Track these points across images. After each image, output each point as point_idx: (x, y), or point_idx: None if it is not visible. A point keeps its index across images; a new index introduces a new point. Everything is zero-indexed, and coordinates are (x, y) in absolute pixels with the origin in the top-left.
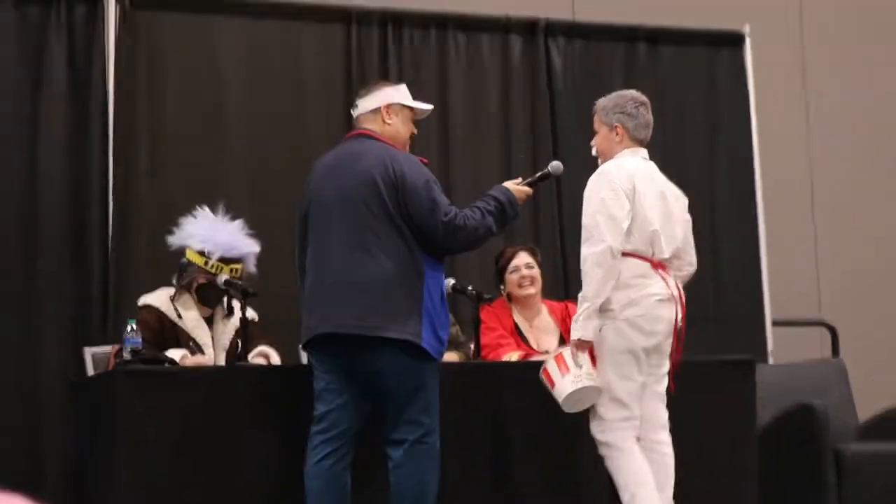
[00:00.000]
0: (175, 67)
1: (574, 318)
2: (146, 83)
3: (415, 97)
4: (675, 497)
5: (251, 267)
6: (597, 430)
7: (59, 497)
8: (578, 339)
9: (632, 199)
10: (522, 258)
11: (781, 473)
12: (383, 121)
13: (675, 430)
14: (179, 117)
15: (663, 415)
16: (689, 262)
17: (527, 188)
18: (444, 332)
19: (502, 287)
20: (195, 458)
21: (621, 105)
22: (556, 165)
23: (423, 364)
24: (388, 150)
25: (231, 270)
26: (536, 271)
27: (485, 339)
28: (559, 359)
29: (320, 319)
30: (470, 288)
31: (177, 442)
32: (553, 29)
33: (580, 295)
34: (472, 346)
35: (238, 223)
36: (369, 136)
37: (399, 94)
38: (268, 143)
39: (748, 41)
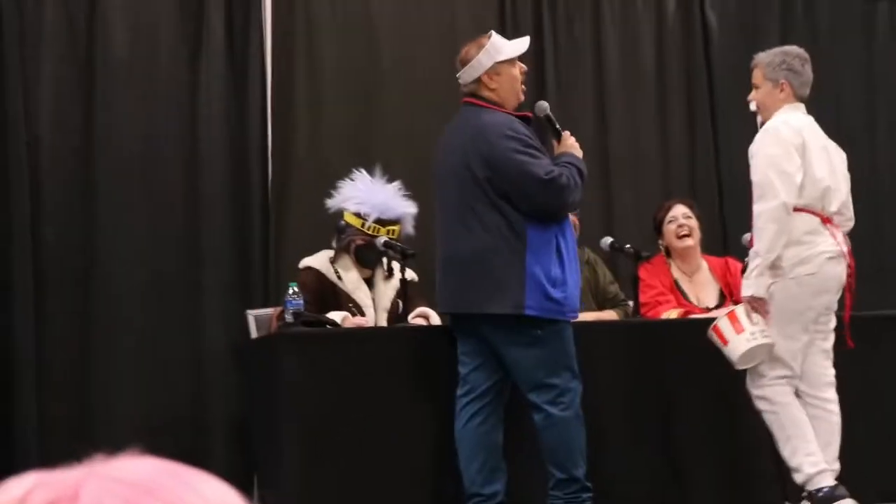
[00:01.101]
0: (330, 30)
1: (746, 274)
2: (303, 49)
3: (569, 57)
4: (841, 453)
5: (409, 228)
6: (753, 384)
7: (226, 459)
8: (751, 296)
9: (801, 155)
10: (680, 209)
11: None
12: (488, 87)
13: (841, 389)
14: (335, 81)
15: (830, 372)
16: (850, 217)
17: (569, 137)
18: (560, 290)
19: (661, 241)
20: (356, 417)
21: (788, 62)
22: (539, 106)
23: (536, 329)
24: (481, 124)
25: (388, 232)
26: (694, 222)
27: (644, 297)
28: (732, 316)
29: (438, 295)
30: (628, 246)
31: (338, 402)
32: None
33: (752, 251)
34: (632, 304)
35: (394, 185)
36: (473, 104)
37: (490, 55)
38: (422, 103)
39: None
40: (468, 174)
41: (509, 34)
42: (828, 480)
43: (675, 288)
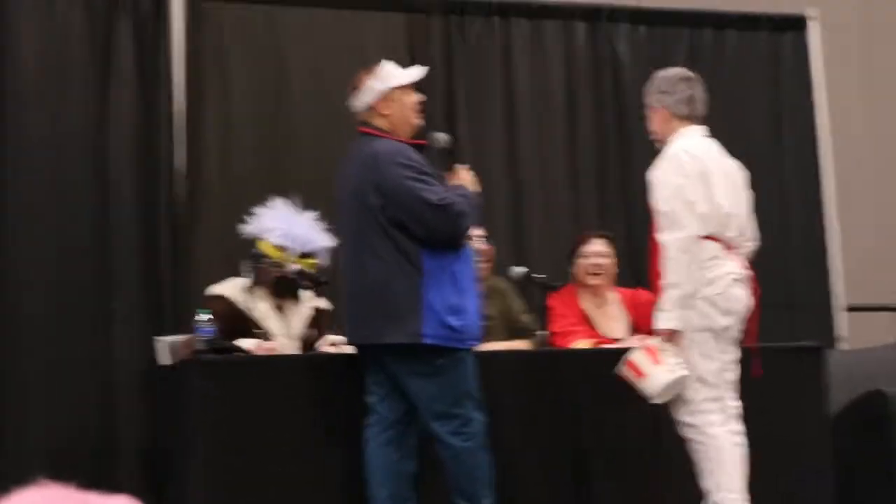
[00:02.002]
0: (240, 59)
1: (659, 307)
2: (214, 72)
3: (479, 87)
4: (748, 484)
5: (325, 261)
6: (682, 412)
7: (135, 484)
8: (671, 330)
9: (704, 182)
10: (596, 246)
11: (854, 460)
12: (381, 114)
13: (747, 416)
14: (246, 105)
15: (736, 404)
16: (752, 238)
17: (465, 170)
18: (457, 318)
19: (572, 268)
20: (266, 444)
21: (658, 85)
22: (436, 138)
23: (436, 358)
24: (373, 153)
25: (309, 266)
26: (608, 261)
27: (555, 327)
28: (649, 350)
29: (345, 327)
30: (539, 276)
31: (249, 429)
32: (617, 15)
33: (665, 283)
34: (544, 334)
35: (312, 216)
36: (367, 133)
37: (383, 80)
38: (333, 129)
39: (811, 24)
40: (362, 204)
41: (419, 62)
42: None
43: (585, 319)
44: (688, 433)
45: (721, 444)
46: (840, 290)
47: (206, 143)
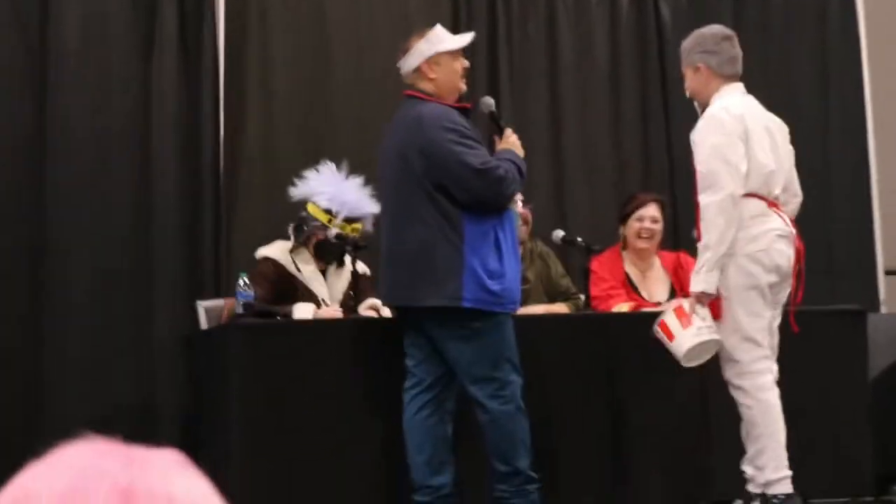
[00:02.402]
0: (283, 22)
1: (695, 269)
2: (256, 40)
3: (523, 53)
4: (788, 446)
5: (369, 226)
6: (731, 373)
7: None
8: (700, 292)
9: (745, 141)
10: (650, 210)
11: (894, 422)
12: (427, 77)
13: (787, 381)
14: (288, 73)
15: (776, 368)
16: (795, 193)
17: (511, 135)
18: (498, 282)
19: (622, 230)
20: (304, 408)
21: (701, 43)
22: (484, 102)
23: (475, 321)
24: (419, 116)
25: (352, 230)
26: (659, 227)
27: (595, 290)
28: (679, 311)
29: (380, 289)
30: (580, 239)
31: (286, 393)
32: None
33: (701, 244)
34: (583, 297)
35: (359, 181)
36: (414, 97)
37: (432, 44)
38: (374, 97)
39: None
40: (406, 166)
41: (463, 29)
42: (786, 488)
43: (627, 282)
44: (736, 395)
45: (770, 409)
46: (881, 255)
47: (248, 110)
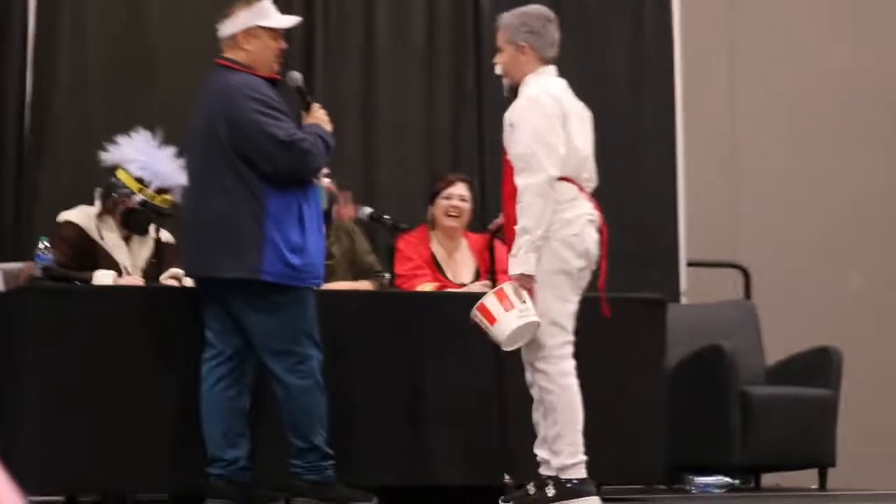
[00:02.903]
0: None
1: (513, 251)
2: (70, 5)
3: (339, 26)
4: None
5: (178, 198)
6: (535, 356)
7: None
8: (521, 274)
9: (563, 125)
10: (458, 189)
11: (689, 413)
12: (241, 47)
13: (586, 366)
14: (100, 38)
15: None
16: (591, 178)
17: (319, 109)
18: (299, 257)
19: (431, 209)
20: (102, 376)
21: (528, 24)
22: (291, 76)
23: (275, 295)
24: (227, 85)
25: (163, 201)
26: (467, 206)
27: (400, 269)
28: (500, 294)
29: (181, 259)
30: (387, 217)
31: (84, 360)
32: None
33: (518, 227)
34: (388, 276)
35: (171, 152)
36: (224, 66)
37: (254, 15)
38: (188, 66)
39: None
40: (212, 135)
41: (280, 5)
42: (581, 473)
43: (433, 262)
44: (537, 379)
45: (571, 395)
46: (684, 246)
47: (58, 72)
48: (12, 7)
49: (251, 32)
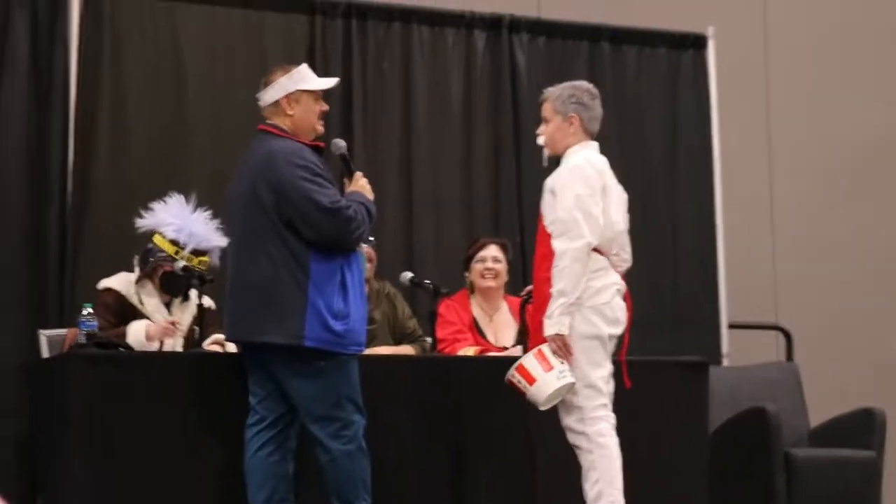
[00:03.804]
0: (137, 54)
1: (548, 313)
2: (109, 67)
3: (377, 91)
4: (625, 495)
5: (215, 260)
6: (573, 419)
7: (10, 478)
8: (556, 334)
9: (602, 197)
10: (491, 251)
11: (732, 476)
12: (285, 113)
13: (628, 429)
14: (141, 103)
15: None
16: (626, 259)
17: (361, 178)
18: (342, 323)
19: (467, 275)
20: (146, 442)
21: (577, 96)
22: (335, 144)
23: (317, 361)
24: (270, 151)
25: (199, 262)
26: (502, 266)
27: (442, 334)
28: (540, 355)
29: (224, 323)
30: (427, 282)
31: (128, 426)
32: (517, 25)
33: (555, 289)
34: (430, 340)
35: (207, 214)
36: (267, 132)
37: (294, 81)
38: (228, 132)
39: (711, 44)
40: (255, 200)
41: (318, 65)
42: None
43: (474, 326)
44: (576, 440)
45: (609, 454)
46: (725, 309)
47: (99, 137)
48: (53, 75)
49: (293, 97)
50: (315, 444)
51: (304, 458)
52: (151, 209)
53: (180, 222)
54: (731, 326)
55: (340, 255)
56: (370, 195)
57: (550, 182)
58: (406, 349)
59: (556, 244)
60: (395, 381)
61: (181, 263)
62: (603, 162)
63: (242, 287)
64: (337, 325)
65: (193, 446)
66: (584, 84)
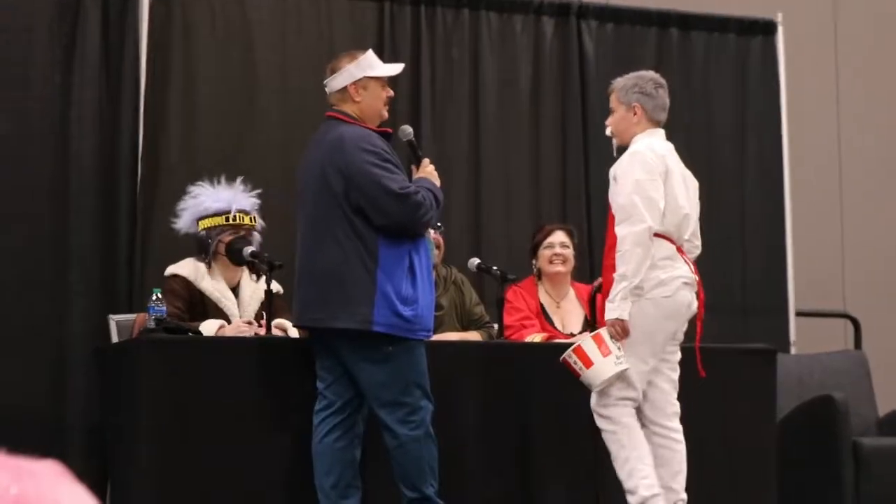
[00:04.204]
0: (207, 39)
1: (610, 297)
2: (179, 52)
3: (445, 78)
4: (692, 484)
5: (261, 220)
6: (598, 403)
7: (81, 462)
8: (615, 319)
9: (664, 181)
10: (558, 236)
11: (800, 464)
12: (352, 99)
13: (695, 417)
14: (210, 88)
15: (675, 403)
16: (698, 245)
17: (428, 164)
18: (411, 308)
19: (535, 262)
20: (213, 426)
21: (640, 85)
22: (403, 130)
23: (387, 346)
24: (340, 137)
25: (250, 219)
26: (569, 252)
27: (509, 320)
28: (598, 339)
29: (293, 309)
30: (495, 268)
31: (196, 411)
32: (586, 11)
33: (617, 274)
34: (496, 326)
35: (230, 184)
36: (336, 118)
37: (361, 68)
38: (296, 116)
39: (781, 30)
40: (325, 186)
41: (387, 52)
42: (662, 503)
43: (541, 312)
44: (601, 423)
45: (633, 433)
46: (793, 296)
47: (169, 123)
48: (124, 61)
49: (360, 84)
50: (383, 430)
51: (371, 443)
52: (179, 213)
53: (209, 196)
54: (799, 314)
55: (408, 241)
56: (437, 181)
57: (613, 170)
58: (473, 335)
59: (618, 230)
60: (462, 367)
61: (250, 249)
62: (666, 148)
63: (311, 273)
64: (405, 311)
65: (261, 431)
66: (649, 73)
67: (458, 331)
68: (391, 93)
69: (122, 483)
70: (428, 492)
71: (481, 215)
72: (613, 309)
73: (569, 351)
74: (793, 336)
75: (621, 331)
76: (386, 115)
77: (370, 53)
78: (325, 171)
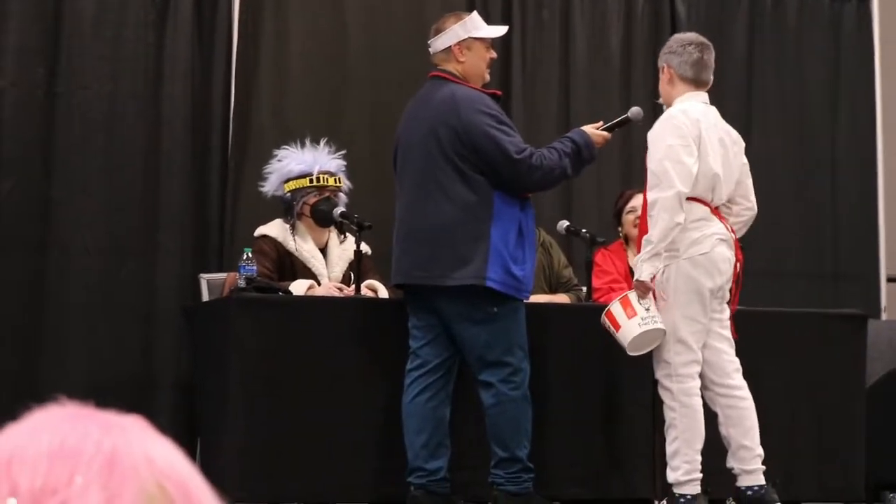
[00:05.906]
0: (299, 4)
1: (638, 258)
2: (271, 12)
3: (536, 39)
4: (780, 450)
5: (346, 180)
6: (661, 373)
7: (171, 420)
8: (637, 280)
9: (697, 145)
10: (639, 200)
11: (889, 429)
12: (457, 60)
13: (784, 381)
14: (301, 49)
15: (735, 360)
16: (748, 207)
17: (605, 133)
18: (520, 268)
19: (620, 228)
20: (303, 385)
21: (670, 45)
22: (635, 111)
23: (493, 306)
24: (452, 97)
25: (335, 180)
26: None
27: (597, 283)
28: (625, 301)
29: (394, 267)
30: (584, 231)
31: (286, 370)
32: None
33: (645, 237)
34: (585, 289)
35: (312, 146)
36: (442, 78)
37: (467, 28)
38: (386, 76)
39: None
40: (436, 145)
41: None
42: (694, 490)
43: (630, 276)
44: (664, 395)
45: (692, 415)
46: (884, 261)
47: (260, 83)
48: (217, 23)
49: (465, 44)
50: (480, 389)
51: (461, 402)
52: (265, 176)
53: (293, 160)
54: (891, 280)
55: (520, 203)
56: (595, 145)
57: (649, 135)
58: (561, 297)
59: (649, 195)
60: (551, 329)
61: (339, 209)
62: (700, 111)
63: (420, 230)
64: (516, 270)
65: (352, 390)
66: (683, 35)
67: (545, 293)
68: (494, 55)
69: (212, 441)
70: (520, 453)
71: (572, 180)
72: (638, 271)
73: (602, 316)
74: (884, 302)
75: (645, 292)
76: (488, 77)
77: (475, 15)
78: (436, 130)
